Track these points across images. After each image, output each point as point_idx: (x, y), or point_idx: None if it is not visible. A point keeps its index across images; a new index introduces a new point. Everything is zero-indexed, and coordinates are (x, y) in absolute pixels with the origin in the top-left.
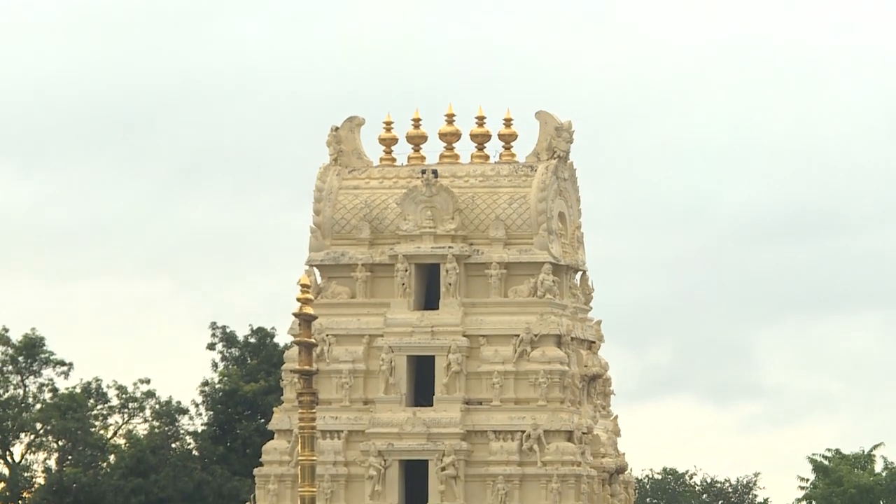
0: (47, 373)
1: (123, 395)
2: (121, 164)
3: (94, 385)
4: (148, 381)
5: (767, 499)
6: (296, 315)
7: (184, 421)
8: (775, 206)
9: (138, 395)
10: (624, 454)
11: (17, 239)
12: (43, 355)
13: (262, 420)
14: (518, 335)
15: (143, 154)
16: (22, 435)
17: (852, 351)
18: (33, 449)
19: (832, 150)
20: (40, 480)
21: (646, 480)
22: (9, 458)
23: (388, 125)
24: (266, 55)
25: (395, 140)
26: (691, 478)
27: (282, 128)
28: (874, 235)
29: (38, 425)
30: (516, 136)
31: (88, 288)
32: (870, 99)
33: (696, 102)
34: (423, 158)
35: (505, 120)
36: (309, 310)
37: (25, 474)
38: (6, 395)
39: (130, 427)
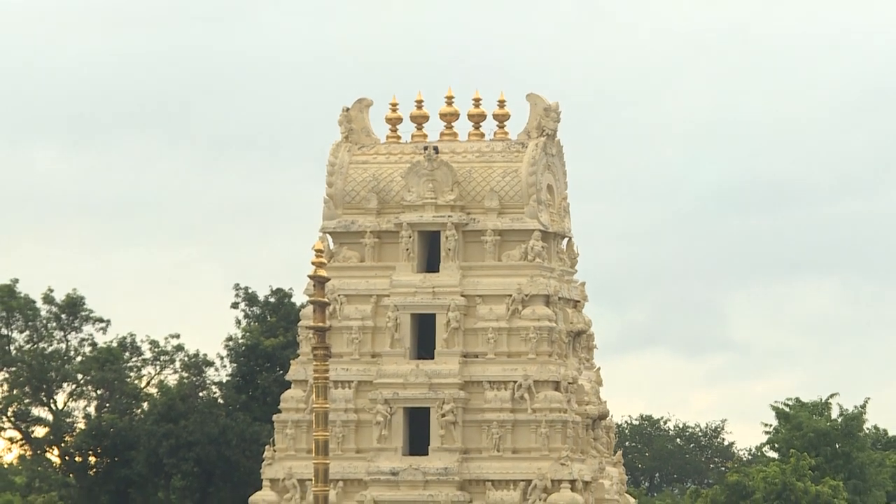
0: (87, 329)
1: (156, 349)
2: (158, 142)
3: (129, 340)
4: (178, 336)
5: (733, 442)
6: (311, 277)
7: (210, 372)
8: (743, 180)
9: (169, 348)
10: (605, 402)
11: (63, 208)
12: (83, 313)
13: (281, 371)
14: (510, 295)
15: (179, 134)
16: (65, 385)
17: (812, 310)
18: (75, 397)
19: (795, 130)
20: (81, 425)
21: (625, 426)
22: (53, 405)
23: (394, 106)
24: (286, 47)
25: (400, 119)
26: (665, 423)
27: (299, 110)
28: (831, 207)
29: (79, 376)
30: (509, 116)
31: (127, 252)
32: (829, 84)
33: (673, 86)
34: (425, 136)
35: (499, 101)
36: (322, 272)
37: (68, 420)
38: (50, 349)
39: (162, 378)
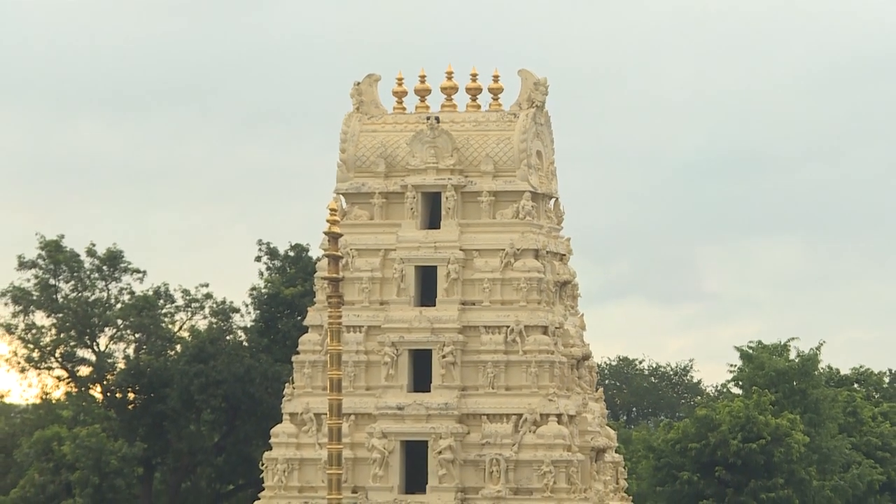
0: (126, 279)
1: (187, 297)
2: (192, 115)
3: (163, 289)
4: (207, 286)
5: (700, 380)
6: (326, 233)
7: (236, 318)
8: (717, 148)
9: (199, 297)
10: (588, 345)
11: (106, 173)
12: (123, 265)
13: (299, 317)
14: (504, 249)
15: (210, 107)
16: (106, 329)
17: (775, 265)
18: (115, 340)
19: (764, 104)
20: (121, 365)
21: (605, 366)
22: (95, 347)
23: (400, 81)
24: (305, 30)
25: (405, 93)
26: (640, 363)
27: (316, 85)
28: (796, 173)
29: (119, 321)
30: (502, 89)
31: (162, 213)
32: (798, 61)
33: (654, 62)
34: (427, 107)
35: (493, 77)
36: (336, 229)
37: (109, 360)
38: (93, 297)
39: (193, 323)
